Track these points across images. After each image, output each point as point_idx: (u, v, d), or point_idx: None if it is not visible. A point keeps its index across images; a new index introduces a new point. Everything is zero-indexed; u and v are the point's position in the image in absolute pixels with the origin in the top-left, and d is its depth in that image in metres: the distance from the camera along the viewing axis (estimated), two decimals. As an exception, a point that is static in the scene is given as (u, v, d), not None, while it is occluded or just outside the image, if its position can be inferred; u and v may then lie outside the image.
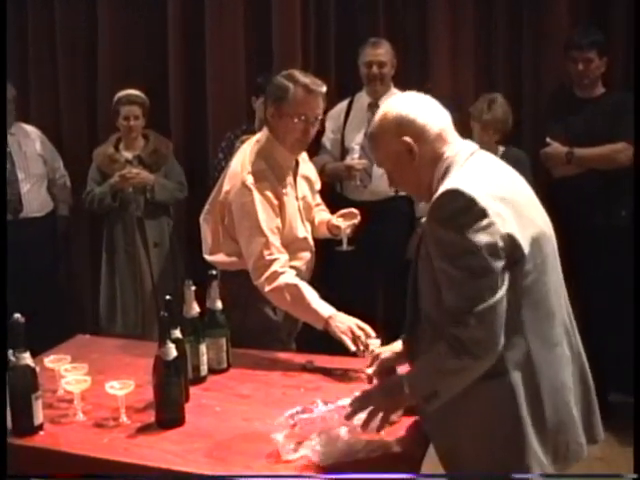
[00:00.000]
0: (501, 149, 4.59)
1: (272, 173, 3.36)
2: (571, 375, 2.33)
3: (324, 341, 3.26)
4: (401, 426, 2.51)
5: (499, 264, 2.13)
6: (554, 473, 2.28)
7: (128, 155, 5.19)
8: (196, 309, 2.98)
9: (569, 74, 4.69)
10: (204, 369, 2.99)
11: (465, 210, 2.13)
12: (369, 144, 2.65)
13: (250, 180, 3.29)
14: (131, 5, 5.68)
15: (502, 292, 2.13)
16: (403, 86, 4.86)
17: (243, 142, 3.76)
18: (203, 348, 2.97)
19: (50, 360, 2.95)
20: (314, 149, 4.55)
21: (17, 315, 2.56)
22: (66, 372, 2.81)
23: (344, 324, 3.12)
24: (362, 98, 5.00)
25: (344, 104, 5.06)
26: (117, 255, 5.21)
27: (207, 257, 3.53)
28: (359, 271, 4.89)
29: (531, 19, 5.01)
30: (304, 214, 3.54)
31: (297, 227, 3.46)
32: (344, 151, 4.93)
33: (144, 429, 2.60)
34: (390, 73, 4.91)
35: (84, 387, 2.71)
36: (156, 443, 2.50)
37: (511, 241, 2.15)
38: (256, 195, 3.28)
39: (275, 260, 3.27)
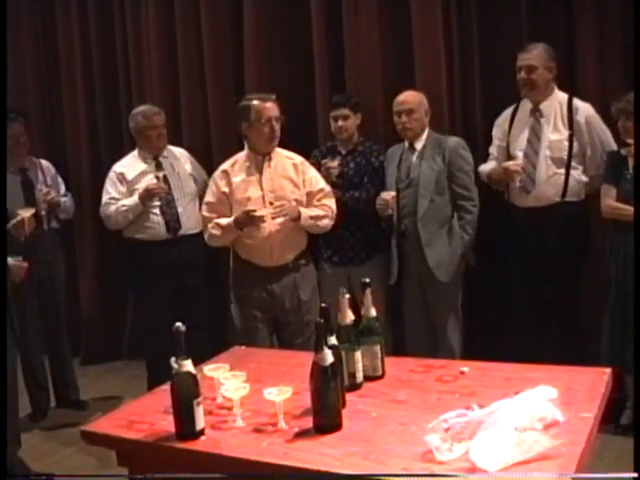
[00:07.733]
0: None
1: (232, 170, 4.62)
2: None
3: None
4: (564, 430, 2.45)
5: None
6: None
7: None
8: (351, 317, 3.00)
9: None
10: (360, 376, 3.01)
11: None
12: None
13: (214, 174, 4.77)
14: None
15: None
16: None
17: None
18: (358, 355, 2.99)
19: (209, 369, 3.04)
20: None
21: (178, 324, 2.63)
22: (225, 380, 2.88)
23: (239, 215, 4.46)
24: (526, 104, 4.84)
25: (509, 111, 4.94)
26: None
27: None
28: (525, 278, 4.84)
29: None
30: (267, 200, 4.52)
31: (245, 207, 4.48)
32: (509, 158, 4.81)
33: (302, 434, 2.62)
34: (544, 77, 4.68)
35: (243, 394, 2.77)
36: (314, 447, 2.52)
37: None
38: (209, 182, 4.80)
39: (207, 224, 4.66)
